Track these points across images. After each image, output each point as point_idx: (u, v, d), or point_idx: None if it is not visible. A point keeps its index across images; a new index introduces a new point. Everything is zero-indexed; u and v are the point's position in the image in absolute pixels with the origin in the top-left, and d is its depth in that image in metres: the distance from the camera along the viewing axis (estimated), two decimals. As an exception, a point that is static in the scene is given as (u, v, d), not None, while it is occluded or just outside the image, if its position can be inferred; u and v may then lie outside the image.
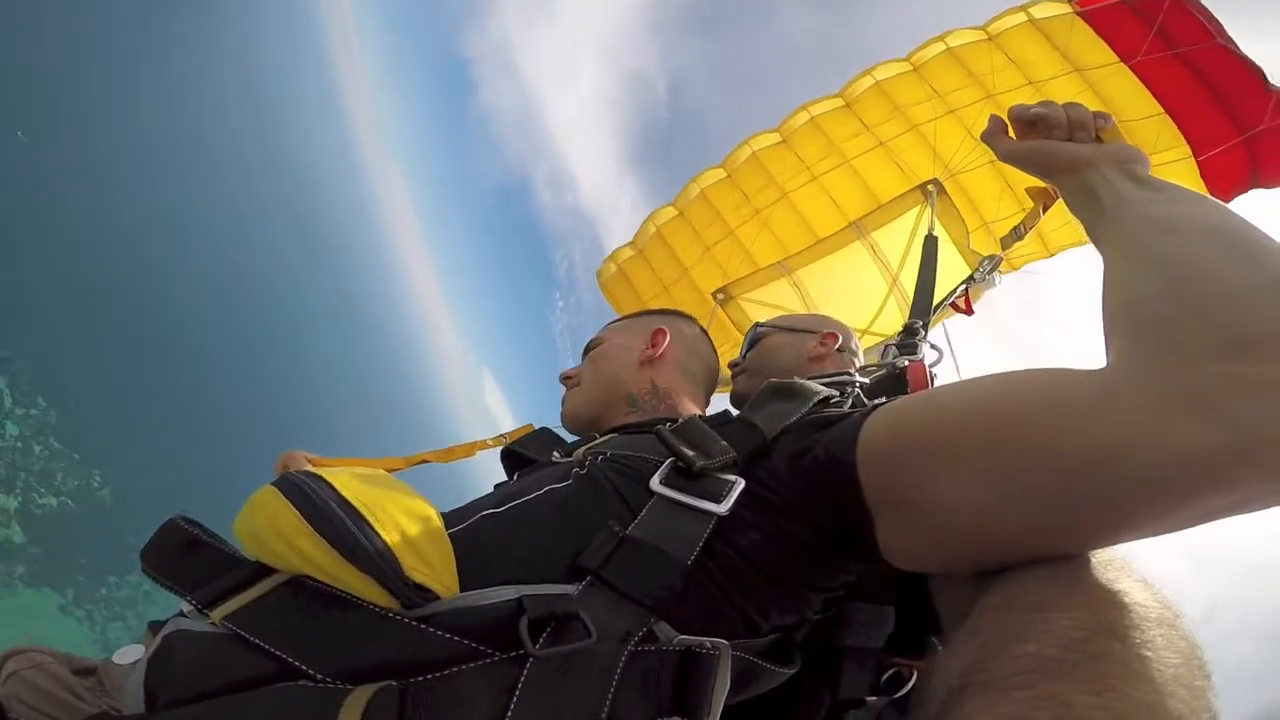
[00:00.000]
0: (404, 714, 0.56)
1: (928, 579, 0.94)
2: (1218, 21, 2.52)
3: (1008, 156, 1.00)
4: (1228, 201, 2.75)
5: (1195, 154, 2.72)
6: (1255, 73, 2.48)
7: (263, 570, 0.65)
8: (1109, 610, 0.53)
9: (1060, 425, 0.60)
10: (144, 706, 0.61)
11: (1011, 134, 1.02)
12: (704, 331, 1.51)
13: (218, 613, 0.63)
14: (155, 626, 0.70)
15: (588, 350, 1.43)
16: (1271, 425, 0.51)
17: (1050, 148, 0.94)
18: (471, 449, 1.92)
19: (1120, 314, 0.66)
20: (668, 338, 1.38)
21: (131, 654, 0.66)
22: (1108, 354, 0.64)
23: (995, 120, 1.03)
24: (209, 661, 0.60)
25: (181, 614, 0.67)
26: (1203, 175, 2.74)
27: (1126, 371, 0.59)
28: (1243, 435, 0.51)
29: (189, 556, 0.69)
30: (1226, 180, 2.72)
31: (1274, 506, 0.55)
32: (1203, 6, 2.54)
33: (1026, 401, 0.64)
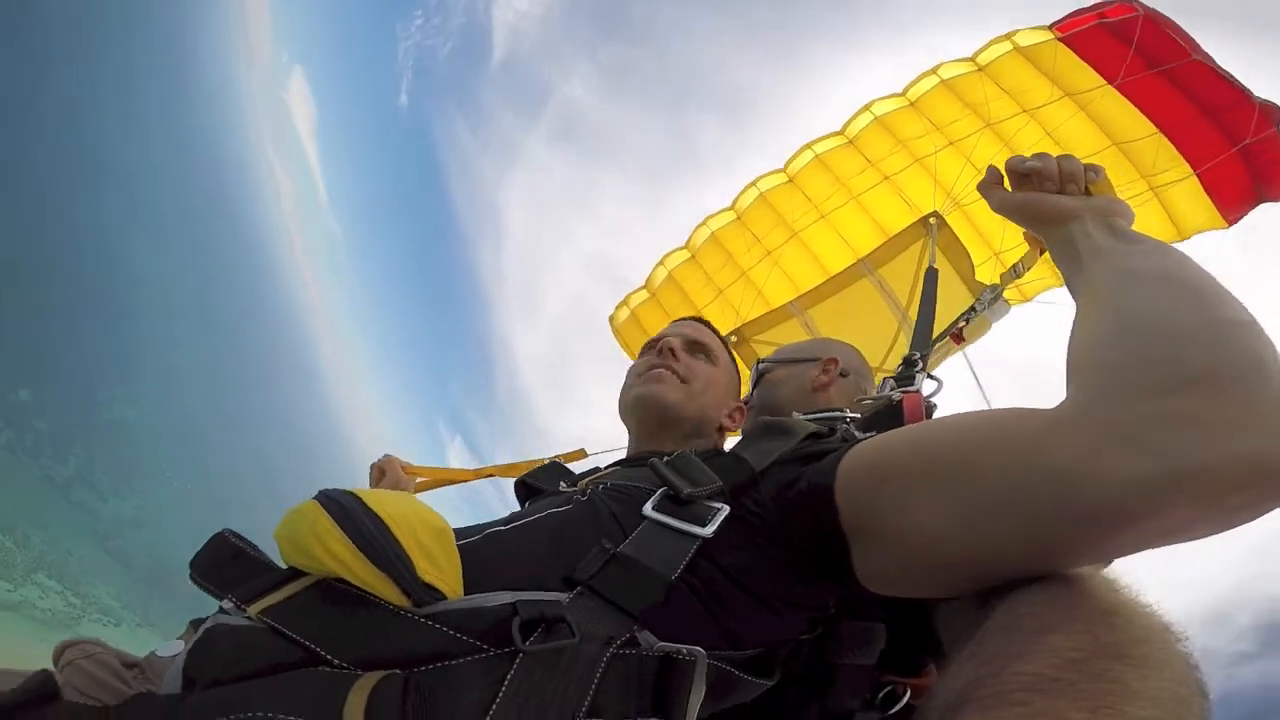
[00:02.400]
0: (406, 698, 0.62)
1: (927, 602, 0.94)
2: (1191, 38, 2.56)
3: (1001, 209, 1.06)
4: (1238, 216, 2.73)
5: (1195, 169, 2.71)
6: (1236, 85, 2.50)
7: (295, 574, 0.73)
8: (1109, 632, 0.55)
9: (1010, 454, 0.66)
10: (181, 690, 0.68)
11: (1007, 185, 1.07)
12: None
13: (254, 608, 0.70)
14: (196, 623, 0.79)
15: (694, 349, 1.47)
16: (1196, 456, 0.55)
17: (1039, 201, 0.99)
18: (534, 466, 2.07)
19: (1077, 357, 0.72)
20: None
21: (174, 648, 0.74)
22: (1066, 394, 0.69)
23: (992, 171, 1.09)
24: (244, 650, 0.68)
25: (221, 610, 0.74)
26: (1207, 191, 2.74)
27: (1072, 407, 0.65)
28: (1170, 466, 0.55)
29: (232, 564, 0.76)
30: (1232, 194, 2.71)
31: (1206, 535, 0.59)
32: (1175, 24, 2.58)
33: (984, 435, 0.70)
